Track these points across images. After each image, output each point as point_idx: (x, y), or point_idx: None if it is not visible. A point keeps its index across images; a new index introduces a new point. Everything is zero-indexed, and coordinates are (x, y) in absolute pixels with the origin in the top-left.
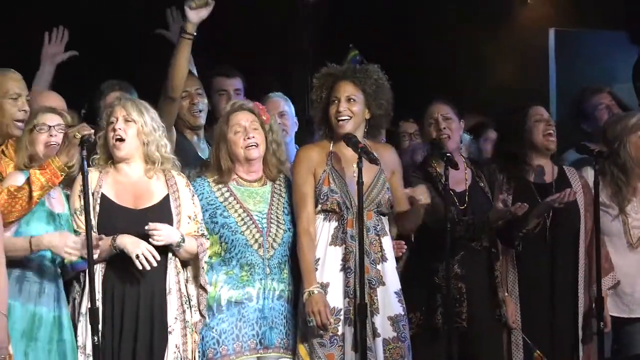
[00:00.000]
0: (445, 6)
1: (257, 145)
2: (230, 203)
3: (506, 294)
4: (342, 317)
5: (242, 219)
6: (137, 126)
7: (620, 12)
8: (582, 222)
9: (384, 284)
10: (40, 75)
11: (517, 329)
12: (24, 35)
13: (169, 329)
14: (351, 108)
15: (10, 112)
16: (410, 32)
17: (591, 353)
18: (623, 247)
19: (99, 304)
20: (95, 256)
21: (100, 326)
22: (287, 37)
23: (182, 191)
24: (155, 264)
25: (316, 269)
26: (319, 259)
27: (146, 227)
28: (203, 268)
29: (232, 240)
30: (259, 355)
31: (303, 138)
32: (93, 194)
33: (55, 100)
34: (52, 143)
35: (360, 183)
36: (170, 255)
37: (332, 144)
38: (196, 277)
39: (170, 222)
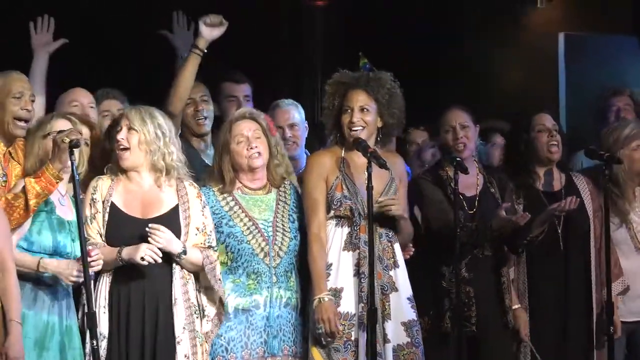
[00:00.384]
0: (455, 12)
1: (260, 155)
2: (235, 212)
3: (517, 305)
4: (355, 322)
5: (248, 228)
6: (139, 135)
7: (629, 17)
8: (592, 227)
9: (396, 289)
10: (35, 66)
11: (526, 340)
12: (24, 35)
13: (177, 339)
14: (364, 118)
15: (12, 110)
16: (420, 38)
17: (602, 359)
18: (631, 251)
19: (105, 311)
20: (99, 267)
21: (107, 334)
22: (296, 43)
23: (192, 202)
24: (159, 260)
25: (329, 274)
26: (331, 264)
27: (149, 225)
28: (220, 280)
29: (238, 249)
30: None
31: (312, 144)
32: (103, 202)
33: (86, 96)
34: None
35: (370, 188)
36: (174, 265)
37: (343, 151)
38: (208, 289)
39: (177, 233)
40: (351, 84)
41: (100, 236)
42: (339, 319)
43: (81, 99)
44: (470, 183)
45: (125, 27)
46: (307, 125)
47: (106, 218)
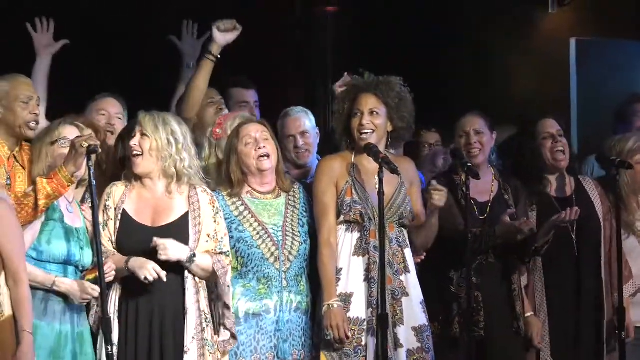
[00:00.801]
0: (466, 17)
1: (268, 156)
2: (245, 217)
3: (530, 313)
4: (365, 327)
5: (258, 233)
6: (150, 141)
7: None
8: (602, 231)
9: (407, 294)
10: (38, 68)
11: (544, 349)
12: (24, 35)
13: (185, 349)
14: (374, 121)
15: (22, 115)
16: (432, 43)
17: None
18: None
19: (115, 318)
20: (111, 279)
21: (116, 340)
22: (307, 50)
23: (203, 209)
24: (164, 280)
25: (339, 279)
26: (341, 269)
27: (154, 239)
28: (229, 287)
29: (249, 254)
30: None
31: (323, 149)
32: (115, 209)
33: (115, 106)
34: None
35: (381, 193)
36: (186, 273)
37: (353, 156)
38: (219, 296)
39: (186, 240)
40: (361, 87)
41: (112, 243)
42: (349, 324)
43: (110, 108)
44: (485, 189)
45: (126, 28)
46: (318, 132)
47: (117, 225)
